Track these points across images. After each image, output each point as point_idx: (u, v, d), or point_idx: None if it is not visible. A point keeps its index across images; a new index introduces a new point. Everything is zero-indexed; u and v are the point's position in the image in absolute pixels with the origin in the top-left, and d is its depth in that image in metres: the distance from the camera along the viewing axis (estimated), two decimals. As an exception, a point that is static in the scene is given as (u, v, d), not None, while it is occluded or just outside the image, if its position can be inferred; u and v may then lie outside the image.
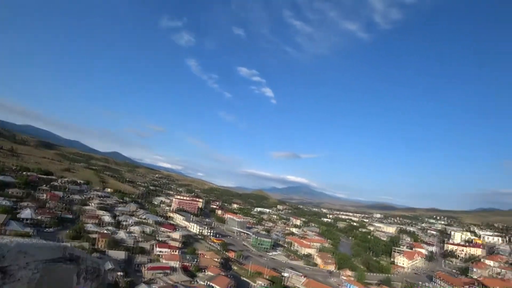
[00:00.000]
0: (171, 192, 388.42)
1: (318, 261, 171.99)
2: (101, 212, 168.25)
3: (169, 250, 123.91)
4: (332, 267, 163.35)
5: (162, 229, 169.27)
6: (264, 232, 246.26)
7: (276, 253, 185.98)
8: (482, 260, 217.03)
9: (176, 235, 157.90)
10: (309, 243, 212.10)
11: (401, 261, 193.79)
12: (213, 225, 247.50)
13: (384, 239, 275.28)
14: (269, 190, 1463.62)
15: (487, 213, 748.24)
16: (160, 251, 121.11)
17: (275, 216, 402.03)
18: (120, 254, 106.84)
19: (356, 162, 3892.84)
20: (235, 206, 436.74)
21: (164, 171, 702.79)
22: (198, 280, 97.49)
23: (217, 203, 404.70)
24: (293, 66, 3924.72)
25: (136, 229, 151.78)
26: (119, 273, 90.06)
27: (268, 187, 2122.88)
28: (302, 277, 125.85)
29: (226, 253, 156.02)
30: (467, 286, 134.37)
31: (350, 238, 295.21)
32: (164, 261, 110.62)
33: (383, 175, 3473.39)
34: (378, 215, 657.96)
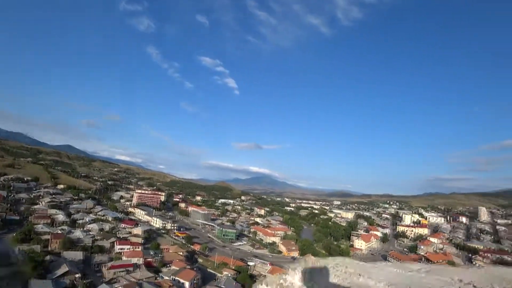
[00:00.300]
0: (131, 187, 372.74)
1: (282, 248, 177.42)
2: (53, 211, 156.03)
3: (130, 246, 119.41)
4: (295, 254, 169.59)
5: (123, 225, 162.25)
6: (228, 223, 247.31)
7: (241, 243, 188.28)
8: (427, 238, 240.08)
9: (137, 230, 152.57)
10: (273, 231, 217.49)
11: (359, 243, 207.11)
12: (176, 218, 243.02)
13: (343, 224, 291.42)
14: (232, 181, 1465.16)
15: (432, 197, 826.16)
16: (121, 249, 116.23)
17: (239, 207, 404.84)
18: (77, 255, 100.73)
19: (316, 153, 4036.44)
20: (198, 198, 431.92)
21: (123, 164, 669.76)
22: (162, 276, 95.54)
23: (180, 196, 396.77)
24: (257, 57, 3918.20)
25: (93, 227, 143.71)
26: (76, 275, 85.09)
27: (231, 178, 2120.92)
28: (267, 264, 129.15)
29: (191, 246, 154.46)
30: (415, 262, 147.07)
31: (312, 225, 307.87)
32: (125, 258, 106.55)
33: (342, 164, 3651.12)
34: (338, 202, 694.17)
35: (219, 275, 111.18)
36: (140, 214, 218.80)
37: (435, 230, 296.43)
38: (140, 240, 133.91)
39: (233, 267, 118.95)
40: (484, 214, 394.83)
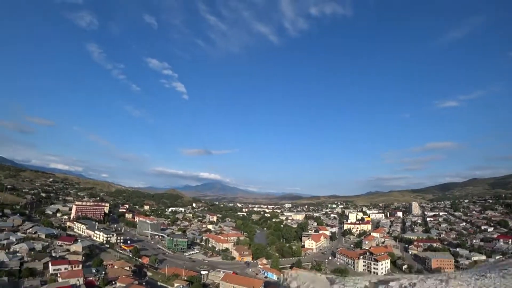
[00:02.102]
0: (70, 198, 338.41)
1: (235, 254, 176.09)
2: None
3: (68, 266, 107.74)
4: (249, 258, 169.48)
5: (59, 242, 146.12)
6: (179, 232, 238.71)
7: (193, 252, 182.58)
8: (371, 233, 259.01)
9: (77, 247, 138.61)
10: (225, 238, 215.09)
11: (310, 244, 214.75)
12: (122, 231, 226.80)
13: (295, 226, 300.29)
14: (182, 189, 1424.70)
15: (373, 195, 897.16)
16: (56, 269, 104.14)
17: (191, 215, 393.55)
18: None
19: (266, 157, 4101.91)
20: (146, 208, 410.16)
21: (60, 174, 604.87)
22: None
23: (126, 206, 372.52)
24: (206, 62, 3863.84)
25: (22, 247, 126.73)
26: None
27: (181, 185, 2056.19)
28: (220, 272, 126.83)
29: (139, 259, 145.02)
30: (360, 256, 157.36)
31: (265, 228, 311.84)
32: (62, 280, 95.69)
33: (291, 167, 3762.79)
34: (289, 205, 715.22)
35: (170, 287, 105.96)
36: (80, 228, 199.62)
37: (377, 225, 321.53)
38: (79, 258, 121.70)
39: (185, 278, 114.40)
40: (416, 208, 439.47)
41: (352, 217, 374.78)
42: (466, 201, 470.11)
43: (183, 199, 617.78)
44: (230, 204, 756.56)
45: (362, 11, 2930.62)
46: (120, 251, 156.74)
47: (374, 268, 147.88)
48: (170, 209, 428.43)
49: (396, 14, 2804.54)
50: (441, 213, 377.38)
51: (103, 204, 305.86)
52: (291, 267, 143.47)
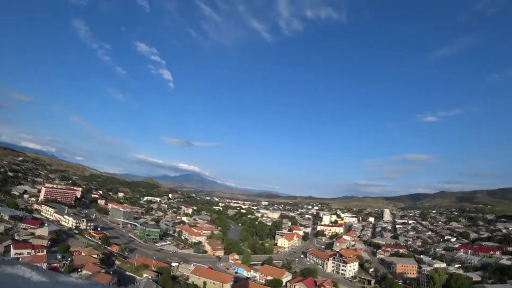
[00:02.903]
0: (40, 180, 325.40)
1: (208, 248, 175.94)
2: None
3: (32, 250, 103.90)
4: (221, 253, 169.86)
5: (23, 225, 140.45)
6: (152, 222, 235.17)
7: (165, 243, 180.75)
8: (342, 236, 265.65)
9: (43, 231, 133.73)
10: (199, 231, 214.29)
11: (282, 242, 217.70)
12: (93, 217, 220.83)
13: (269, 224, 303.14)
14: (160, 178, 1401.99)
15: (348, 199, 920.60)
16: (18, 253, 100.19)
17: (166, 205, 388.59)
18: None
19: (247, 153, 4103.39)
20: (121, 195, 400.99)
21: (31, 153, 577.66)
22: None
23: (100, 192, 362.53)
24: (196, 52, 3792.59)
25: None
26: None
27: (159, 175, 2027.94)
28: (191, 265, 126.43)
29: (108, 247, 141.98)
30: (330, 257, 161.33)
31: (240, 224, 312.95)
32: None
33: (271, 166, 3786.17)
34: (265, 203, 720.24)
35: (138, 277, 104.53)
36: (48, 212, 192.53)
37: (349, 229, 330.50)
38: (45, 243, 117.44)
39: (155, 269, 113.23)
40: (387, 215, 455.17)
41: (326, 219, 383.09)
42: (434, 211, 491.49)
43: (159, 189, 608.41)
44: (207, 198, 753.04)
45: (356, 19, 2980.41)
46: (89, 238, 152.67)
47: (342, 270, 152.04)
48: (145, 198, 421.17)
49: (389, 27, 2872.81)
50: (410, 221, 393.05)
51: (75, 188, 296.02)
52: (262, 264, 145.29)
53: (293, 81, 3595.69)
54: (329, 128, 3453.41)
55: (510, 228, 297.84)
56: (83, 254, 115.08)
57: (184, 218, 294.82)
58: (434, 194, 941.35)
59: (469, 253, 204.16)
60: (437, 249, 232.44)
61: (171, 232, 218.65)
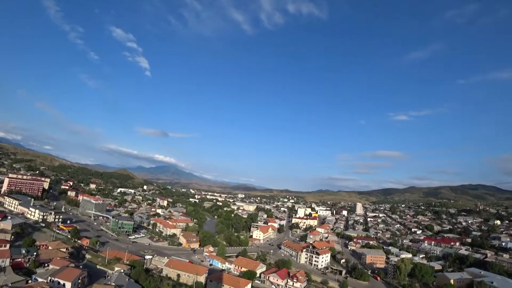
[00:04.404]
0: (3, 170, 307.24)
1: (183, 240, 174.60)
2: None
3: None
4: (196, 245, 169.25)
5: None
6: (126, 215, 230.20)
7: (139, 236, 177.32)
8: (316, 228, 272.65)
9: (5, 225, 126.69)
10: (174, 223, 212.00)
11: (257, 234, 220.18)
12: (62, 209, 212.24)
13: (245, 216, 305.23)
14: (135, 169, 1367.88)
15: (323, 193, 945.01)
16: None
17: (140, 197, 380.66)
18: None
19: (224, 145, 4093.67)
20: (93, 186, 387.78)
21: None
22: (37, 278, 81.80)
23: (70, 183, 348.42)
24: (175, 41, 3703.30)
25: None
26: None
27: (134, 166, 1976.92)
28: (165, 257, 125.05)
29: (78, 241, 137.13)
30: (304, 249, 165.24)
31: (215, 217, 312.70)
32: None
33: (248, 159, 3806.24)
34: (242, 195, 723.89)
35: (110, 271, 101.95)
36: (12, 204, 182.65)
37: (323, 221, 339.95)
38: (8, 237, 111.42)
39: (127, 262, 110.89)
40: (360, 208, 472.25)
41: (301, 212, 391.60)
42: (403, 205, 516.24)
43: (134, 181, 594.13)
44: (183, 190, 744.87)
45: (336, 18, 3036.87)
46: (58, 231, 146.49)
47: (315, 261, 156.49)
48: (119, 190, 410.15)
49: (367, 29, 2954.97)
50: (380, 215, 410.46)
51: (43, 179, 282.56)
52: (237, 256, 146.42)
53: (272, 75, 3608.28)
54: (305, 123, 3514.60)
55: (469, 221, 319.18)
56: (50, 248, 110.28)
57: (159, 210, 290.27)
58: (404, 189, 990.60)
59: (432, 244, 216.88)
60: (405, 241, 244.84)
61: (145, 224, 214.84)
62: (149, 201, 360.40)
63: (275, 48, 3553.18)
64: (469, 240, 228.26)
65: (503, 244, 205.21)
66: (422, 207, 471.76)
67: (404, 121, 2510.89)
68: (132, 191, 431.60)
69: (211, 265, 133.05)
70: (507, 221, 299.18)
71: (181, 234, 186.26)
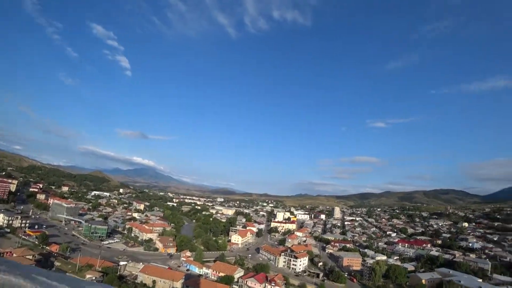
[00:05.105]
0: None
1: (159, 245, 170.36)
2: None
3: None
4: (173, 250, 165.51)
5: None
6: (100, 219, 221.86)
7: (113, 241, 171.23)
8: (294, 232, 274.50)
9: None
10: (151, 228, 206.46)
11: (236, 238, 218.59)
12: (30, 213, 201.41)
13: (224, 220, 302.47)
14: (111, 172, 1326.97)
15: (302, 197, 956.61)
16: None
17: (116, 201, 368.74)
18: None
19: (203, 149, 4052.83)
20: (65, 189, 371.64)
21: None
22: (-1, 286, 76.98)
23: (40, 185, 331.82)
24: (158, 41, 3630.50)
25: None
26: None
27: (110, 168, 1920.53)
28: (140, 263, 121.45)
29: (46, 247, 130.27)
30: (282, 253, 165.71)
31: (194, 221, 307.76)
32: None
33: (228, 163, 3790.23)
34: (221, 199, 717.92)
35: (81, 279, 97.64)
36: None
37: (301, 225, 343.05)
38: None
39: (100, 269, 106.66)
40: (337, 212, 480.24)
41: (280, 216, 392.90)
42: (379, 209, 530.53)
43: (109, 183, 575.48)
44: (161, 193, 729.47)
45: (319, 26, 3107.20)
46: (24, 237, 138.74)
47: (293, 264, 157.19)
48: (93, 193, 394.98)
49: (348, 39, 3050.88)
50: (357, 218, 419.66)
51: (9, 180, 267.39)
52: (214, 261, 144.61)
53: (254, 79, 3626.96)
54: (286, 128, 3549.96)
55: (440, 224, 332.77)
56: (15, 255, 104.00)
57: (135, 214, 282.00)
58: (380, 193, 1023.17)
59: (406, 246, 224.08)
60: (380, 244, 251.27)
61: (120, 229, 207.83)
62: (125, 205, 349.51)
63: (258, 53, 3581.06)
64: (439, 241, 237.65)
65: (470, 245, 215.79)
66: (397, 211, 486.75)
67: (382, 128, 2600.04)
68: (108, 194, 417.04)
69: (188, 270, 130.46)
70: (473, 224, 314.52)
71: (158, 238, 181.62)
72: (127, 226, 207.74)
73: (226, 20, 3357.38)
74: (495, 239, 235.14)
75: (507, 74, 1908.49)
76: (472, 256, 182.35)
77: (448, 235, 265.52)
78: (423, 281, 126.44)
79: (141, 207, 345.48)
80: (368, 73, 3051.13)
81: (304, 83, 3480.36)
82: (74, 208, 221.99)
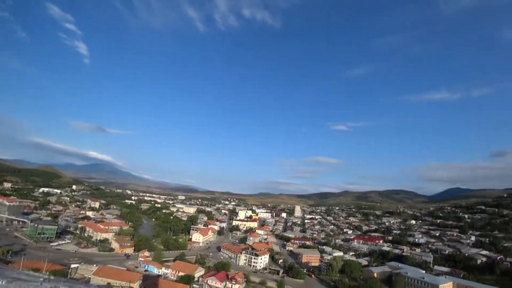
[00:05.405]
0: None
1: (115, 245, 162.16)
2: None
3: None
4: (130, 250, 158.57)
5: None
6: (48, 218, 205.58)
7: (63, 242, 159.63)
8: (256, 230, 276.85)
9: None
10: (106, 227, 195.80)
11: (197, 237, 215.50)
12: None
13: (185, 219, 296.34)
14: (63, 167, 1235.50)
15: (264, 196, 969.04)
16: None
17: (67, 198, 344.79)
18: None
19: (165, 145, 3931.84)
20: (7, 185, 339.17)
21: None
22: None
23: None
24: (121, 30, 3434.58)
25: None
26: None
27: (62, 162, 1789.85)
28: (94, 265, 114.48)
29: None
30: (243, 250, 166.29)
31: (153, 219, 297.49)
32: None
33: (190, 160, 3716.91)
34: (182, 197, 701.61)
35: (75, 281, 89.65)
36: None
37: (263, 223, 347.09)
38: None
39: (47, 273, 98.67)
40: (298, 211, 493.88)
41: (242, 214, 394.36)
42: (337, 208, 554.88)
43: (61, 179, 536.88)
44: (118, 190, 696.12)
45: (288, 29, 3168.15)
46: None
47: (254, 262, 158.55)
48: (41, 190, 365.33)
49: (314, 44, 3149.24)
50: (317, 217, 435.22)
51: None
52: (174, 260, 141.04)
53: (220, 76, 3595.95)
54: (249, 127, 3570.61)
55: (391, 222, 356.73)
56: None
57: (89, 213, 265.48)
58: (339, 193, 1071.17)
59: (361, 242, 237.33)
60: (337, 240, 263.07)
61: (72, 229, 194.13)
62: (78, 203, 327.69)
63: (226, 50, 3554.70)
64: (390, 238, 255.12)
65: (416, 240, 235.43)
66: (354, 210, 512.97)
67: (343, 130, 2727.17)
68: (58, 191, 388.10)
69: (146, 271, 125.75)
70: (420, 221, 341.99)
71: (114, 238, 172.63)
72: (79, 226, 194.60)
73: (196, 14, 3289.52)
74: (437, 234, 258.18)
75: (449, 86, 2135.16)
76: (418, 250, 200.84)
77: (398, 232, 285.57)
78: (375, 275, 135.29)
79: (96, 205, 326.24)
80: (331, 78, 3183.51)
81: (269, 83, 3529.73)
82: (16, 206, 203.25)
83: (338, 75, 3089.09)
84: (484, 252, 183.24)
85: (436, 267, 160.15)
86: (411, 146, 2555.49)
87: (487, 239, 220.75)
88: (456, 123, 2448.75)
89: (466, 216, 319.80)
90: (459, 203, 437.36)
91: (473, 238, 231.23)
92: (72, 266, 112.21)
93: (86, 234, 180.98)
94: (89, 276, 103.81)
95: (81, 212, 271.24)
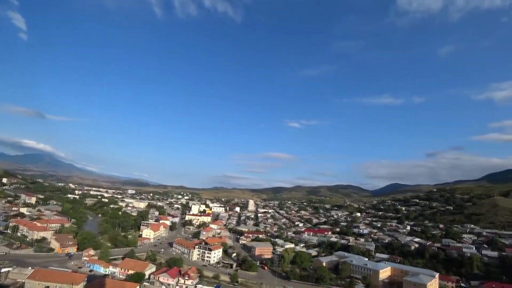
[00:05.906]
0: None
1: (55, 245, 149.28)
2: None
3: None
4: (73, 250, 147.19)
5: None
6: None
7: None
8: (209, 225, 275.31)
9: None
10: (45, 225, 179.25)
11: (148, 233, 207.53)
12: None
13: (135, 214, 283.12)
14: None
15: (218, 190, 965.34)
16: None
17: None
18: None
19: (115, 135, 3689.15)
20: None
21: None
22: None
23: None
24: (68, 5, 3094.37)
25: None
26: None
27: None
28: (29, 268, 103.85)
29: None
30: (196, 245, 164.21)
31: (100, 215, 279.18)
32: None
33: (142, 152, 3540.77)
34: (132, 191, 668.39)
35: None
36: None
37: (216, 218, 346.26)
38: None
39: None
40: (252, 205, 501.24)
41: (195, 209, 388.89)
42: (289, 202, 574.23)
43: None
44: (59, 184, 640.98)
45: (248, 23, 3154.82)
46: None
47: (207, 257, 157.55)
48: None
49: (272, 41, 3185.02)
50: (270, 211, 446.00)
51: None
52: (123, 258, 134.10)
53: (174, 65, 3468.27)
54: (204, 120, 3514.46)
55: (339, 214, 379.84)
56: None
57: (23, 210, 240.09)
58: (291, 188, 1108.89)
59: (311, 234, 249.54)
60: (289, 233, 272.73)
61: (2, 228, 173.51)
62: (9, 198, 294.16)
63: (182, 39, 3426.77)
64: (338, 229, 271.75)
65: (361, 231, 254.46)
66: (305, 204, 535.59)
67: (296, 128, 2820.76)
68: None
69: (91, 271, 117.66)
70: (364, 213, 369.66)
71: (54, 237, 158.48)
72: (11, 224, 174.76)
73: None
74: (379, 225, 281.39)
75: (394, 92, 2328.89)
76: (362, 240, 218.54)
77: (345, 224, 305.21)
78: (324, 264, 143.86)
79: (33, 200, 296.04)
80: (288, 75, 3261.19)
81: (226, 78, 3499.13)
82: None
83: (295, 74, 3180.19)
84: (416, 239, 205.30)
85: (377, 254, 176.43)
86: (358, 145, 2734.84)
87: (419, 228, 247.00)
88: (398, 125, 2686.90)
89: (403, 208, 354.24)
90: (398, 197, 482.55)
91: (408, 227, 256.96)
92: (3, 270, 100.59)
93: (19, 234, 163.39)
94: (23, 281, 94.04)
95: (13, 208, 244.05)
